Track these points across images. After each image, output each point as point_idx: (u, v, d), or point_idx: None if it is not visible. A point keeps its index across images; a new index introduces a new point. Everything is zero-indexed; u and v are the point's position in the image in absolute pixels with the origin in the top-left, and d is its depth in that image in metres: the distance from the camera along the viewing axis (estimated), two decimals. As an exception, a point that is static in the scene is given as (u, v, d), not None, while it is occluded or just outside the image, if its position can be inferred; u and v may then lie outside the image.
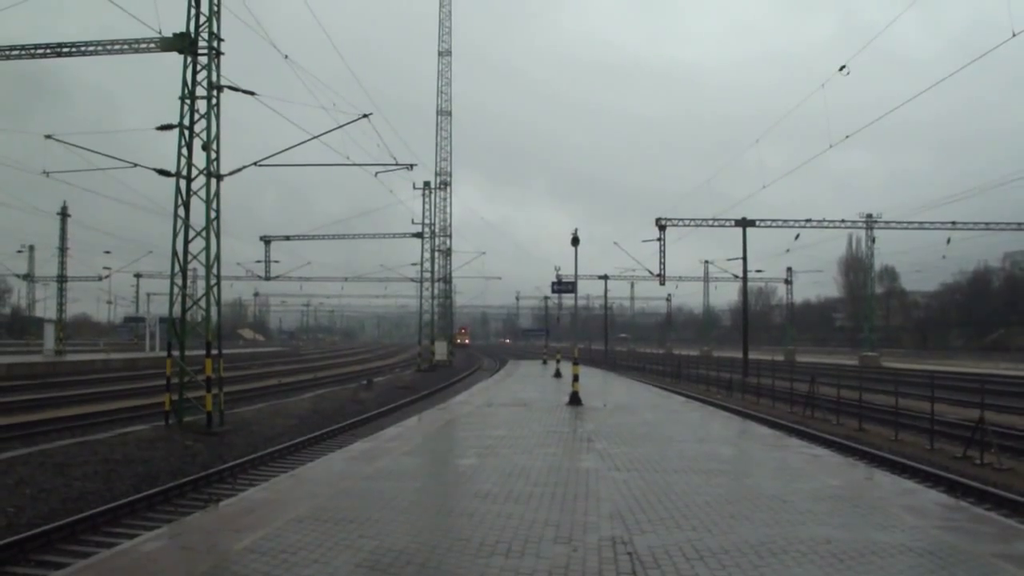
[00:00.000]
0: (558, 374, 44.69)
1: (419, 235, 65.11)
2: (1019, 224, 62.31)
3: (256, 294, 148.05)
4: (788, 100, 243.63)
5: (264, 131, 76.14)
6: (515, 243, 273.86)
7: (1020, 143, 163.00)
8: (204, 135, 23.53)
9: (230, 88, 24.14)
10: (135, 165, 26.58)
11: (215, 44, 23.45)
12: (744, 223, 56.20)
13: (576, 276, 30.99)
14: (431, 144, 66.06)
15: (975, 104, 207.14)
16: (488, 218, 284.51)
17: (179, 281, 23.95)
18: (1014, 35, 23.40)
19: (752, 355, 53.40)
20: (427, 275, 67.37)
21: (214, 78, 23.50)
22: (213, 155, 23.54)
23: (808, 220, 61.74)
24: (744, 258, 55.05)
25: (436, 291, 68.86)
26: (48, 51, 26.16)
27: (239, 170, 26.34)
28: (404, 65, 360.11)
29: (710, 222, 59.96)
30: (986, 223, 62.41)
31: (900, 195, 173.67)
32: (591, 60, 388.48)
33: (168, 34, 23.51)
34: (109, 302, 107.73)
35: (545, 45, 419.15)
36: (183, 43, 23.25)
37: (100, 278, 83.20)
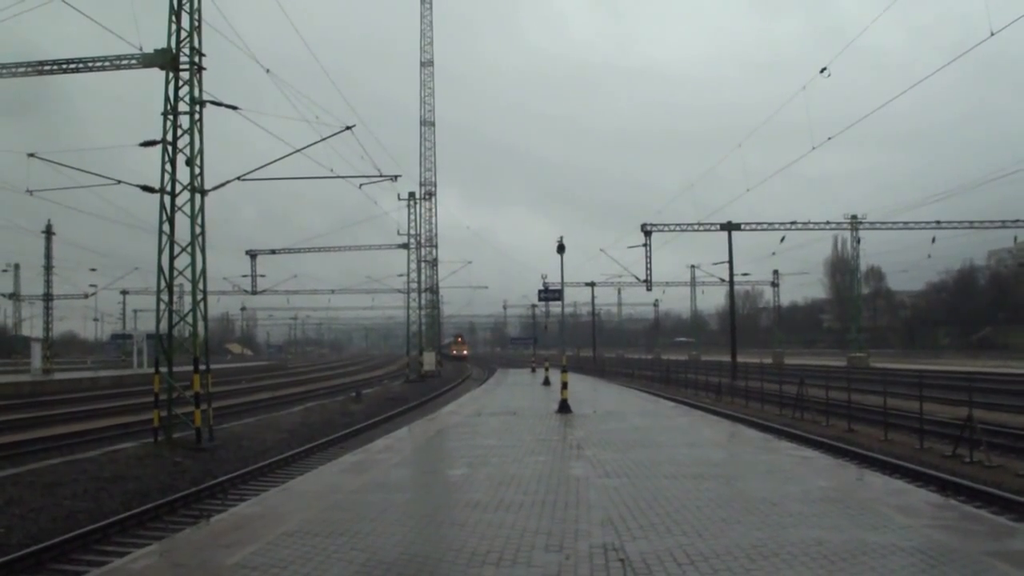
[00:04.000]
0: (547, 382, 44.60)
1: (405, 246, 65.10)
2: (1003, 222, 62.53)
3: (243, 308, 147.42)
4: (758, 95, 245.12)
5: (247, 145, 76.23)
6: (500, 252, 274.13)
7: (1001, 141, 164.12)
8: (187, 150, 23.47)
9: (213, 103, 24.13)
10: (119, 182, 26.54)
11: (197, 59, 23.40)
12: (729, 227, 56.37)
13: (563, 284, 31.06)
14: (414, 155, 66.04)
15: (954, 103, 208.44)
16: (472, 228, 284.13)
17: (165, 297, 23.84)
18: (992, 34, 23.57)
19: (740, 358, 53.51)
20: (414, 286, 67.37)
21: (196, 93, 23.46)
22: (197, 170, 23.49)
23: (793, 222, 61.94)
24: (730, 262, 55.32)
25: (423, 301, 68.83)
26: (29, 69, 26.10)
27: (223, 185, 26.35)
28: (385, 77, 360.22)
29: (695, 227, 60.18)
30: (970, 222, 62.66)
31: (883, 196, 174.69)
32: (564, 67, 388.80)
33: (150, 50, 23.48)
34: (96, 319, 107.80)
35: (515, 54, 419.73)
36: (165, 59, 23.19)
37: (86, 296, 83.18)
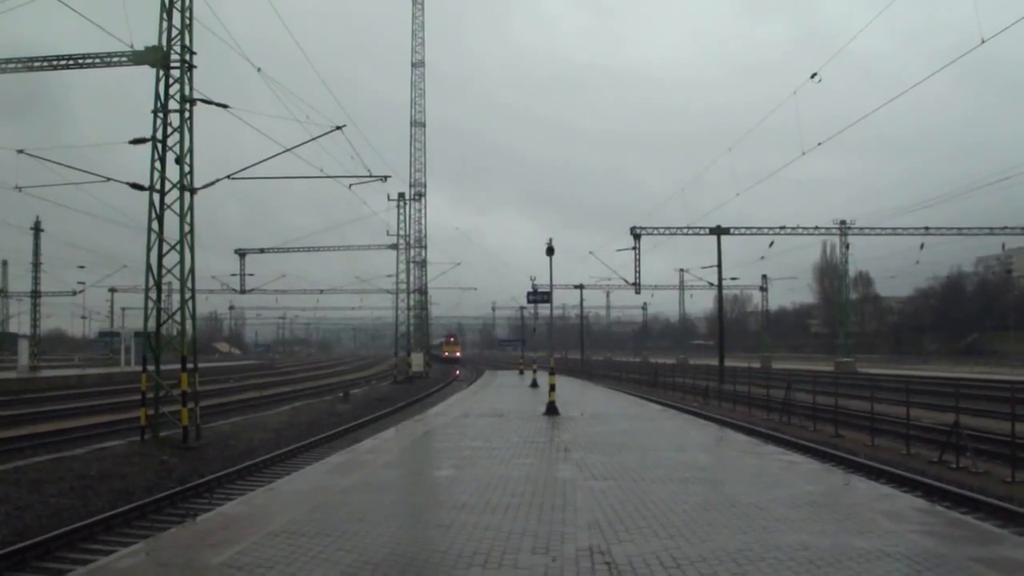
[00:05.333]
0: (534, 384, 44.56)
1: (394, 247, 65.02)
2: (991, 229, 62.84)
3: (231, 307, 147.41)
4: (744, 97, 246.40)
5: (236, 144, 76.02)
6: (489, 254, 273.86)
7: (990, 146, 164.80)
8: (177, 148, 23.43)
9: (203, 101, 24.06)
10: (108, 179, 26.50)
11: (188, 57, 23.36)
12: (718, 231, 56.45)
13: (551, 286, 31.04)
14: (403, 154, 65.93)
15: (942, 108, 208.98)
16: (461, 229, 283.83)
17: (154, 295, 23.81)
18: (983, 41, 23.61)
19: (728, 362, 53.58)
20: (403, 286, 67.29)
21: (187, 91, 23.42)
22: (187, 168, 23.44)
23: (782, 227, 62.12)
24: (719, 266, 55.35)
25: (412, 302, 68.74)
26: (19, 65, 26.02)
27: (213, 183, 26.26)
28: (375, 76, 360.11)
29: (684, 230, 60.28)
30: (959, 228, 62.92)
31: (871, 200, 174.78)
32: (551, 66, 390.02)
33: (141, 48, 23.43)
34: (83, 317, 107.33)
35: (502, 52, 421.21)
36: (155, 57, 23.15)
37: (74, 293, 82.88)
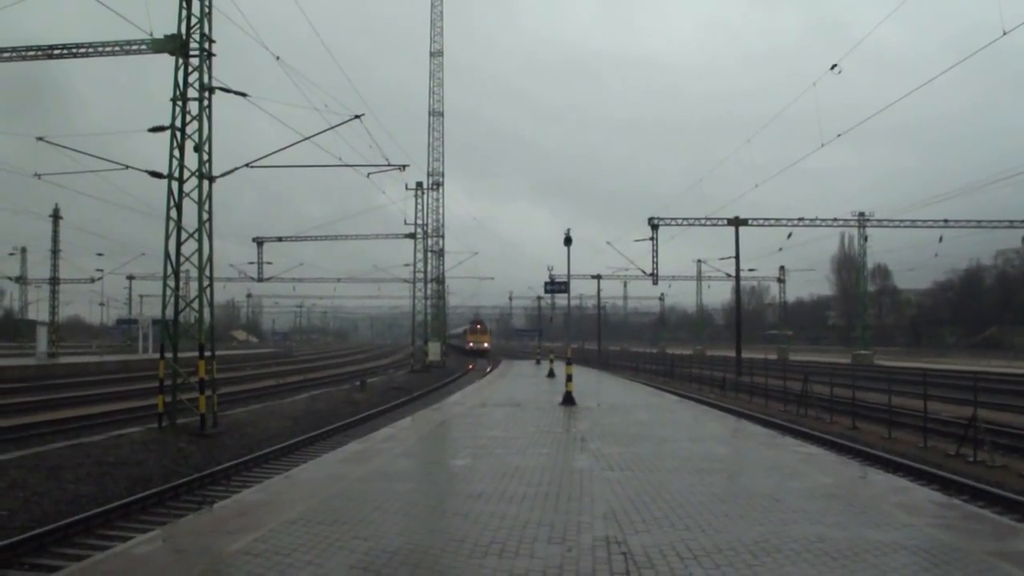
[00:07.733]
0: (551, 374, 44.65)
1: (412, 236, 64.99)
2: (1011, 222, 62.48)
3: (249, 295, 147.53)
4: (756, 85, 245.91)
5: (255, 133, 76.26)
6: (505, 243, 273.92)
7: (1009, 138, 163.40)
8: (196, 137, 23.48)
9: (222, 89, 24.10)
10: (127, 167, 26.59)
11: (207, 46, 23.38)
12: (737, 222, 56.25)
13: (569, 276, 30.96)
14: (419, 143, 65.95)
15: (965, 103, 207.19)
16: (478, 219, 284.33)
17: (172, 283, 23.87)
18: (1005, 33, 23.45)
19: (745, 354, 53.47)
20: (420, 276, 67.32)
21: (206, 79, 23.45)
22: (205, 157, 23.49)
23: (800, 219, 61.95)
24: (736, 257, 55.19)
25: (429, 292, 68.79)
26: (39, 53, 26.08)
27: (231, 172, 26.34)
28: (391, 64, 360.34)
29: (703, 221, 60.10)
30: (978, 221, 62.60)
31: (890, 194, 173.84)
32: (562, 53, 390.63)
33: (160, 36, 23.46)
34: (102, 304, 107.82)
35: (513, 38, 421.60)
36: (175, 45, 23.18)
37: (92, 280, 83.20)
